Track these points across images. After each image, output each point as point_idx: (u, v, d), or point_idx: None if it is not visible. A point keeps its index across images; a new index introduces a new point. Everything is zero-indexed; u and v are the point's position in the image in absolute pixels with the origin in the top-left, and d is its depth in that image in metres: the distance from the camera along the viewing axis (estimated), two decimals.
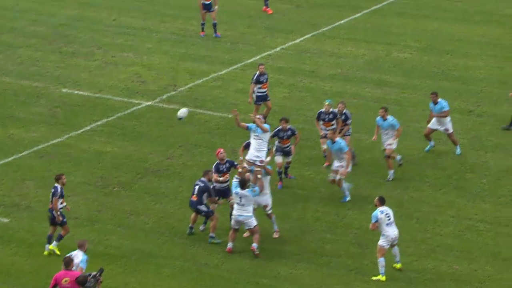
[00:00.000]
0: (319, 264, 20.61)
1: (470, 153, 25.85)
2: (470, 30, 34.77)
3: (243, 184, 20.70)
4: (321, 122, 24.29)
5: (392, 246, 20.14)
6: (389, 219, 20.06)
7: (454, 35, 34.51)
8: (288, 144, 23.49)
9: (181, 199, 23.22)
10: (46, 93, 29.33)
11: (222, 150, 21.77)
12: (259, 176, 21.24)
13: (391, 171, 23.95)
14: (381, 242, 20.08)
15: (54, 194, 20.47)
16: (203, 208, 21.04)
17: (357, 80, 30.82)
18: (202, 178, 21.21)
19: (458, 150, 25.39)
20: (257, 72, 26.79)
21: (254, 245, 20.74)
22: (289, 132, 23.45)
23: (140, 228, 21.96)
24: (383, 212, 20.09)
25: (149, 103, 28.93)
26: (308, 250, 21.14)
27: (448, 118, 25.25)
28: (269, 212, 21.40)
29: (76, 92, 29.51)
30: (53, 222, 20.52)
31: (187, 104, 28.86)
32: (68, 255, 17.79)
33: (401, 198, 23.42)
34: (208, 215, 21.12)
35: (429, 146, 25.58)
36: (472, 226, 22.20)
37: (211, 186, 21.17)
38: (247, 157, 21.73)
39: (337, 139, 22.60)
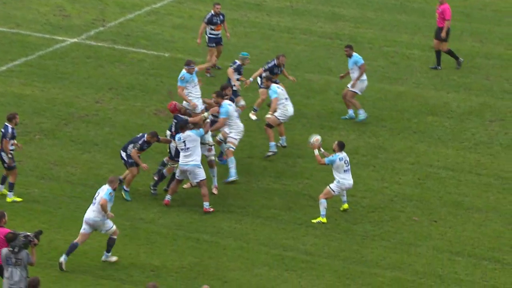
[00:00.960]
0: (266, 217, 20.70)
1: (431, 94, 26.07)
2: None
3: (182, 127, 20.57)
4: (237, 76, 23.36)
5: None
6: (347, 166, 20.40)
7: None
8: None
9: (112, 148, 23.03)
10: None
11: (175, 103, 21.40)
12: (208, 121, 21.12)
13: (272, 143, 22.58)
14: (333, 186, 20.44)
15: (4, 135, 20.41)
16: (123, 154, 20.91)
17: (307, 14, 30.71)
18: (145, 136, 20.84)
19: (362, 114, 24.08)
20: (211, 12, 26.37)
21: (206, 204, 20.61)
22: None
23: (66, 180, 21.75)
24: (342, 159, 20.42)
25: (74, 40, 28.49)
26: (253, 202, 21.20)
27: (356, 75, 23.78)
28: (212, 158, 21.31)
29: None
30: (6, 166, 20.45)
31: (117, 41, 28.53)
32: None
33: (356, 144, 23.55)
34: (126, 165, 20.97)
35: (347, 115, 24.29)
36: (433, 173, 22.47)
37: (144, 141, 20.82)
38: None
39: (223, 102, 21.80)
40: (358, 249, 19.62)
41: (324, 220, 20.35)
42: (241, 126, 21.84)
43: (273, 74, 24.05)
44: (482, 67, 27.59)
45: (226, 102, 21.64)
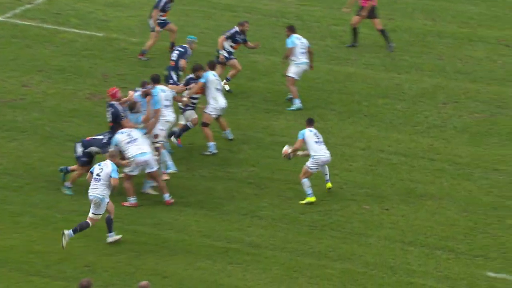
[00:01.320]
0: (209, 208, 20.62)
1: (381, 75, 26.18)
2: None
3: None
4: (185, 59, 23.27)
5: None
6: (318, 138, 20.71)
7: None
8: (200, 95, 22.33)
9: (42, 135, 22.77)
10: None
11: (118, 89, 21.02)
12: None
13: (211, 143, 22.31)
14: (310, 164, 20.66)
15: None
16: (78, 149, 20.60)
17: None
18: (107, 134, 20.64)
19: (296, 104, 23.90)
20: None
21: (166, 196, 20.40)
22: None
23: None
24: (311, 131, 20.76)
25: None
26: (195, 192, 21.10)
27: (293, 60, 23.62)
28: (158, 145, 21.08)
29: None
30: None
31: (46, 20, 28.19)
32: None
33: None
34: (77, 160, 20.70)
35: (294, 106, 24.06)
36: (385, 159, 22.59)
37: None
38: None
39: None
40: (306, 240, 19.63)
41: (313, 199, 20.49)
42: (166, 115, 21.24)
43: (235, 42, 24.06)
44: (435, 46, 27.77)
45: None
